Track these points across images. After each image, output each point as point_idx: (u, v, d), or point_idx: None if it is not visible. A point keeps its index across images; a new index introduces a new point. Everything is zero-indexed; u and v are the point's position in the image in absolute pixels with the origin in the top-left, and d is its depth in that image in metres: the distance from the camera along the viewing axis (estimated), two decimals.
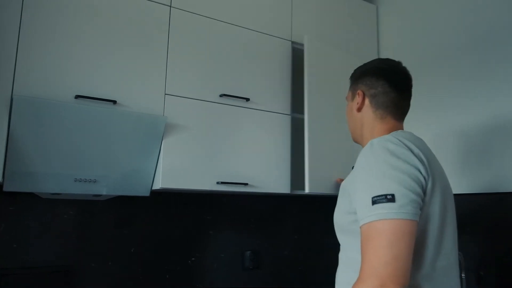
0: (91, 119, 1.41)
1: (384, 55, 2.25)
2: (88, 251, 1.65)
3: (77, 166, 1.43)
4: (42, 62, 1.36)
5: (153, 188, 1.57)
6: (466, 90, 1.80)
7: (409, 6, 2.18)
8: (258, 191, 1.74)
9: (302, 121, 1.82)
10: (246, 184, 1.68)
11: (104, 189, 1.51)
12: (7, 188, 1.34)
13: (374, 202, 0.84)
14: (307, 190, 1.69)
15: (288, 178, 1.83)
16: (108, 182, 1.50)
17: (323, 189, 1.75)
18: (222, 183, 1.64)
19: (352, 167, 1.09)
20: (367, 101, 1.10)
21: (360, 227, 0.87)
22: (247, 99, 1.75)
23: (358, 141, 1.19)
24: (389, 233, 0.81)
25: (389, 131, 1.04)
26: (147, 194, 1.60)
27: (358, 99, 1.12)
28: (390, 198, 0.83)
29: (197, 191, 1.75)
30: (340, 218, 1.02)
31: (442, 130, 1.87)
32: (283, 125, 1.86)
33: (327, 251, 2.29)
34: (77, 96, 1.39)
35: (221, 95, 1.69)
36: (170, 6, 1.62)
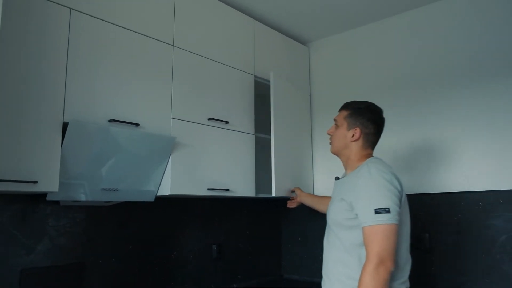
0: (119, 138, 1.72)
1: (314, 88, 2.91)
2: (96, 250, 1.91)
3: (105, 178, 1.73)
4: (84, 93, 1.62)
5: (162, 194, 1.92)
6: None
7: (335, 49, 2.87)
8: (235, 195, 2.19)
9: (263, 139, 2.35)
10: (227, 189, 2.13)
11: (123, 197, 1.82)
12: (51, 197, 1.59)
13: (376, 212, 1.37)
14: (273, 194, 2.21)
15: (253, 184, 2.32)
16: (126, 191, 1.82)
17: (284, 193, 2.30)
18: (211, 189, 2.06)
19: (337, 178, 1.67)
20: (360, 136, 1.61)
21: (364, 227, 1.40)
22: (227, 122, 2.20)
23: (336, 154, 1.69)
24: (386, 232, 1.36)
25: (367, 157, 1.61)
26: (152, 200, 1.94)
27: (355, 133, 1.60)
28: (387, 210, 1.38)
29: (192, 196, 2.13)
30: (338, 217, 1.53)
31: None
32: (249, 142, 2.35)
33: (271, 242, 2.85)
34: (110, 120, 1.69)
35: (209, 119, 2.11)
36: (173, 46, 1.99)
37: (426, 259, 2.29)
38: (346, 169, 1.69)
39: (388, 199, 1.40)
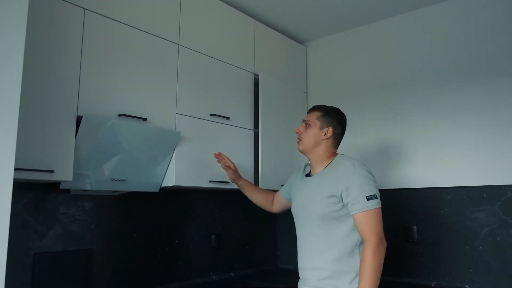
0: (128, 132, 1.82)
1: (310, 86, 3.02)
2: (103, 237, 2.02)
3: (114, 169, 1.83)
4: (96, 88, 1.73)
5: (166, 185, 2.03)
6: (368, 120, 2.67)
7: (331, 49, 2.99)
8: (235, 187, 2.30)
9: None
10: (228, 182, 2.25)
11: (130, 187, 1.93)
12: (64, 186, 1.69)
13: (368, 199, 1.57)
14: (260, 185, 2.35)
15: (252, 177, 2.44)
16: (133, 181, 1.93)
17: (272, 186, 2.41)
18: (213, 181, 2.18)
19: (307, 175, 1.80)
20: (331, 135, 1.76)
21: (357, 214, 1.57)
22: (228, 118, 2.31)
23: (305, 152, 1.79)
24: (378, 215, 1.58)
25: (334, 155, 1.78)
26: (157, 190, 2.05)
27: (328, 132, 1.75)
28: (376, 196, 1.59)
29: (195, 188, 2.24)
30: (326, 210, 1.64)
31: (373, 145, 2.71)
32: (248, 138, 2.46)
33: (267, 233, 2.97)
34: (120, 115, 1.79)
35: (211, 115, 2.22)
36: (178, 44, 2.10)
37: (414, 250, 2.43)
38: (314, 166, 1.79)
39: (373, 187, 1.62)
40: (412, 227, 2.44)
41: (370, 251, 1.53)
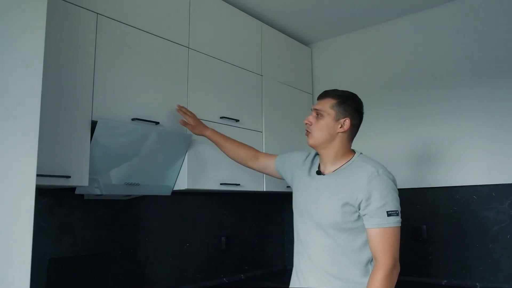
0: (141, 136, 1.83)
1: (316, 87, 3.03)
2: (116, 241, 2.02)
3: (128, 173, 1.84)
4: (110, 93, 1.73)
5: (178, 188, 2.03)
6: (373, 120, 2.68)
7: (337, 51, 3.00)
8: (246, 189, 2.32)
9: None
10: (238, 184, 2.25)
11: (143, 191, 1.93)
12: (80, 191, 1.69)
13: (388, 214, 1.34)
14: (264, 188, 2.37)
15: (262, 179, 2.45)
16: (146, 185, 1.93)
17: (276, 188, 2.43)
18: (224, 184, 2.18)
19: (318, 172, 1.55)
20: (349, 128, 1.49)
21: (374, 229, 1.35)
22: (237, 120, 2.31)
23: (317, 147, 1.52)
24: (397, 234, 1.36)
25: (350, 150, 1.53)
26: (169, 194, 2.05)
27: (345, 124, 1.47)
28: (397, 213, 1.37)
29: (205, 191, 2.25)
30: (340, 220, 1.40)
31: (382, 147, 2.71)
32: (258, 139, 2.47)
33: (275, 234, 2.98)
34: (133, 119, 1.79)
35: (221, 117, 2.23)
36: (188, 48, 2.10)
37: (423, 249, 2.44)
38: (326, 162, 1.54)
39: (397, 201, 1.40)
40: (421, 226, 2.45)
41: (382, 275, 1.32)
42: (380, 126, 2.69)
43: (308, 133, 1.54)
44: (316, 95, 2.96)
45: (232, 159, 1.94)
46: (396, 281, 1.37)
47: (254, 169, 1.90)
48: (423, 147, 2.52)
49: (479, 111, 2.35)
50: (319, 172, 1.56)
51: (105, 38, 1.73)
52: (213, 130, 1.94)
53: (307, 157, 1.66)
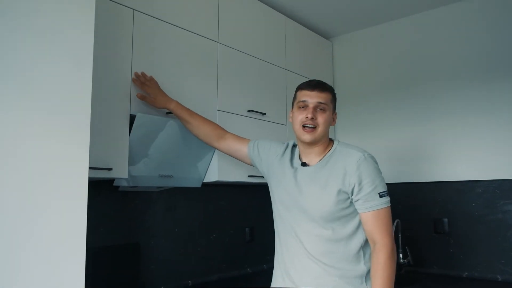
0: (174, 129, 1.87)
1: (337, 81, 3.06)
2: (148, 231, 2.08)
3: (162, 165, 1.88)
4: None
5: (209, 181, 2.08)
6: (393, 114, 2.70)
7: (358, 45, 3.02)
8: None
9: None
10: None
11: (176, 183, 1.98)
12: (118, 183, 1.74)
13: (380, 196, 1.37)
14: None
15: None
16: (179, 177, 1.98)
17: None
18: (251, 176, 2.23)
19: (303, 163, 1.51)
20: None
21: (368, 213, 1.37)
22: (264, 113, 2.35)
23: (317, 142, 1.48)
24: (390, 214, 1.40)
25: (330, 141, 1.54)
26: (199, 185, 2.10)
27: (335, 118, 1.55)
28: (387, 193, 1.40)
29: (232, 183, 2.29)
30: (334, 208, 1.40)
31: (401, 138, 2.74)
32: (282, 132, 2.51)
33: None
34: (168, 113, 1.84)
35: (248, 111, 2.26)
36: (218, 42, 2.14)
37: (445, 242, 2.48)
38: (309, 154, 1.52)
39: (384, 182, 1.42)
40: (442, 219, 2.49)
41: (385, 256, 1.34)
42: (397, 119, 2.72)
43: (312, 129, 1.46)
44: (337, 89, 3.02)
45: (196, 137, 1.78)
46: (396, 258, 1.38)
47: (220, 150, 1.79)
48: (443, 141, 2.54)
49: (504, 106, 2.36)
50: (304, 164, 1.52)
51: (141, 33, 1.77)
52: (177, 102, 1.73)
53: (286, 148, 1.62)
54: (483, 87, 2.44)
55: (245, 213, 2.63)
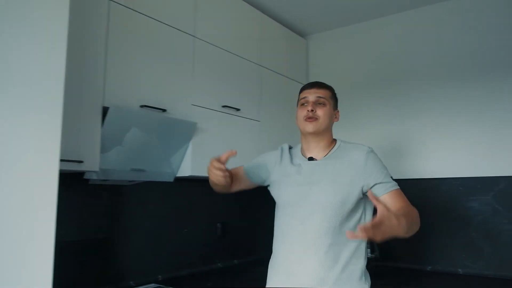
0: (148, 122, 1.85)
1: (311, 79, 3.10)
2: (119, 226, 2.05)
3: (135, 159, 1.86)
4: (120, 80, 1.74)
5: (182, 175, 2.07)
6: (366, 113, 2.77)
7: (332, 44, 3.06)
8: None
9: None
10: None
11: (148, 177, 1.96)
12: (89, 176, 1.71)
13: (393, 179, 1.46)
14: None
15: None
16: (151, 171, 1.96)
17: None
18: None
19: (310, 158, 1.54)
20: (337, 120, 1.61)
21: (389, 192, 1.43)
22: (238, 109, 2.36)
23: (319, 132, 1.52)
24: None
25: (333, 140, 1.59)
26: (172, 180, 2.09)
27: (337, 116, 1.60)
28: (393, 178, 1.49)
29: (205, 178, 2.27)
30: (344, 197, 1.44)
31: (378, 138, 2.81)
32: (255, 128, 2.52)
33: (268, 222, 3.05)
34: (142, 106, 1.81)
35: (223, 106, 2.26)
36: (194, 37, 2.12)
37: (411, 237, 2.55)
38: (313, 149, 1.56)
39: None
40: None
41: (417, 212, 1.42)
42: (369, 118, 2.79)
43: (314, 119, 1.50)
44: None
45: (218, 191, 1.77)
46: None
47: (237, 191, 1.81)
48: (410, 140, 2.64)
49: (466, 107, 2.47)
50: (311, 158, 1.55)
51: (117, 25, 1.74)
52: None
53: (282, 152, 1.66)
54: (446, 89, 2.54)
55: (217, 209, 2.63)
